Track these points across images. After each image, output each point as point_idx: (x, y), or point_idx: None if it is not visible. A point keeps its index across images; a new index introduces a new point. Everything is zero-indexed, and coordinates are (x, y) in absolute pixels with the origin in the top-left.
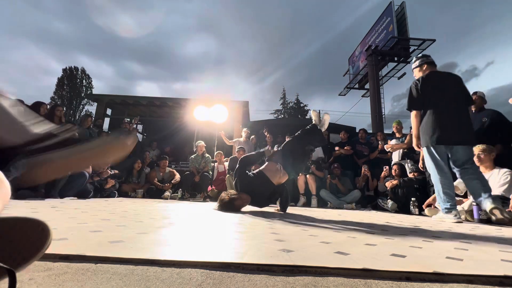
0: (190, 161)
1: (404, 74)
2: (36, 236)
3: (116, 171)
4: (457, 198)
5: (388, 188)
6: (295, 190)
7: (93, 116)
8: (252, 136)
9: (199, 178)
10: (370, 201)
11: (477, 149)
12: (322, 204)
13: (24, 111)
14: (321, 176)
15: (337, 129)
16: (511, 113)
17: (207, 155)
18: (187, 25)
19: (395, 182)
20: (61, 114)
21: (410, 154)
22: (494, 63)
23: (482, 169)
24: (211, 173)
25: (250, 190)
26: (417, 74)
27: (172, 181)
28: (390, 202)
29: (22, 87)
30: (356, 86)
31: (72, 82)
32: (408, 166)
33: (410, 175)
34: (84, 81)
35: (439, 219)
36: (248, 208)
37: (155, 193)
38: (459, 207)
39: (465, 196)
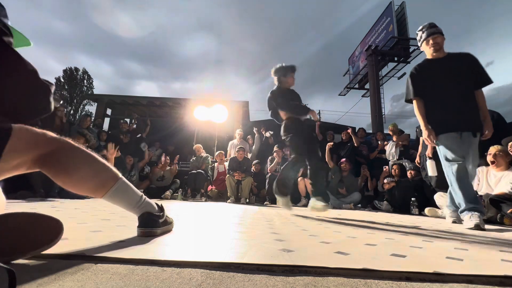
0: (191, 164)
1: (404, 74)
2: (51, 229)
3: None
4: None
5: (385, 189)
6: (295, 192)
7: (93, 116)
8: (248, 136)
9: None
10: (370, 201)
11: (494, 148)
12: None
13: None
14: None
15: (338, 129)
16: (511, 113)
17: (204, 154)
18: (187, 24)
19: (392, 183)
20: (62, 115)
21: (407, 153)
22: (494, 63)
23: (495, 169)
24: (210, 173)
25: None
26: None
27: (173, 175)
28: (384, 204)
29: None
30: (356, 86)
31: (72, 83)
32: (406, 164)
33: (408, 173)
34: (85, 81)
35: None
36: (248, 207)
37: (155, 193)
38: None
39: None
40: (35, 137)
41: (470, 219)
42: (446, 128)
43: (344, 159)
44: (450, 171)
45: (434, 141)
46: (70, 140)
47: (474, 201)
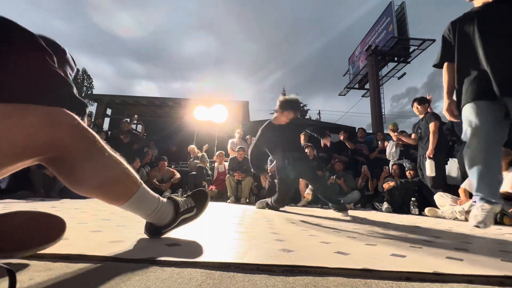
0: (189, 165)
1: (404, 74)
2: (54, 227)
3: None
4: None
5: (384, 190)
6: (295, 192)
7: (93, 116)
8: (247, 136)
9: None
10: (370, 201)
11: None
12: (322, 204)
13: None
14: (320, 175)
15: (337, 129)
16: None
17: (200, 154)
18: (187, 24)
19: (392, 183)
20: None
21: (407, 153)
22: None
23: None
24: (210, 172)
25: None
26: None
27: (172, 180)
28: (385, 205)
29: None
30: (356, 86)
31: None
32: (405, 165)
33: (407, 173)
34: (85, 81)
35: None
36: (248, 208)
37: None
38: (459, 207)
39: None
40: (41, 119)
41: (476, 213)
42: (478, 95)
43: (337, 159)
44: (466, 150)
45: (455, 114)
46: (96, 139)
47: (490, 189)
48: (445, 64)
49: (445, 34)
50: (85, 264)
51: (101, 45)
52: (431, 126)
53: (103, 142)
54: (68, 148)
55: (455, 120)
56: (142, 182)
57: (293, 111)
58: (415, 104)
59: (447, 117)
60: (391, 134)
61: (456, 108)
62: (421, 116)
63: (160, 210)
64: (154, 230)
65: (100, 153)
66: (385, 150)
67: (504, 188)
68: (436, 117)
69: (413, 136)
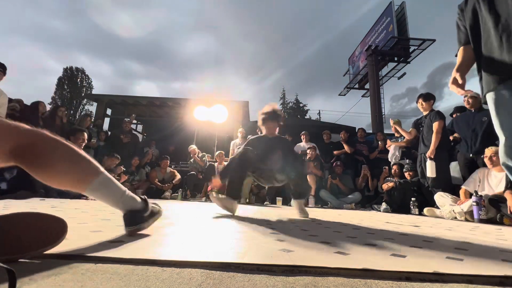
0: (190, 165)
1: (404, 74)
2: (56, 229)
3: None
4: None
5: (384, 190)
6: None
7: (93, 116)
8: (249, 136)
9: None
10: (370, 201)
11: (489, 151)
12: (322, 203)
13: None
14: (319, 175)
15: (337, 129)
16: None
17: (201, 154)
18: (187, 24)
19: (391, 184)
20: (62, 115)
21: (409, 153)
22: None
23: (494, 171)
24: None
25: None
26: None
27: (173, 181)
28: (383, 206)
29: (19, 86)
30: (356, 86)
31: (72, 82)
32: (404, 164)
33: (405, 174)
34: (84, 81)
35: None
36: (248, 208)
37: (155, 193)
38: (459, 208)
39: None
40: (7, 129)
41: None
42: (504, 73)
43: (339, 162)
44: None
45: (461, 83)
46: (48, 132)
47: None
48: (460, 48)
49: (456, 20)
50: (85, 264)
51: (101, 45)
52: (435, 125)
53: (60, 137)
54: (32, 140)
55: (463, 93)
56: (105, 171)
57: (271, 122)
58: (420, 101)
59: (453, 90)
60: (391, 122)
61: (462, 78)
62: (425, 113)
63: (126, 198)
64: (134, 216)
65: (59, 144)
66: (385, 150)
67: (499, 189)
68: (441, 116)
69: (410, 130)
